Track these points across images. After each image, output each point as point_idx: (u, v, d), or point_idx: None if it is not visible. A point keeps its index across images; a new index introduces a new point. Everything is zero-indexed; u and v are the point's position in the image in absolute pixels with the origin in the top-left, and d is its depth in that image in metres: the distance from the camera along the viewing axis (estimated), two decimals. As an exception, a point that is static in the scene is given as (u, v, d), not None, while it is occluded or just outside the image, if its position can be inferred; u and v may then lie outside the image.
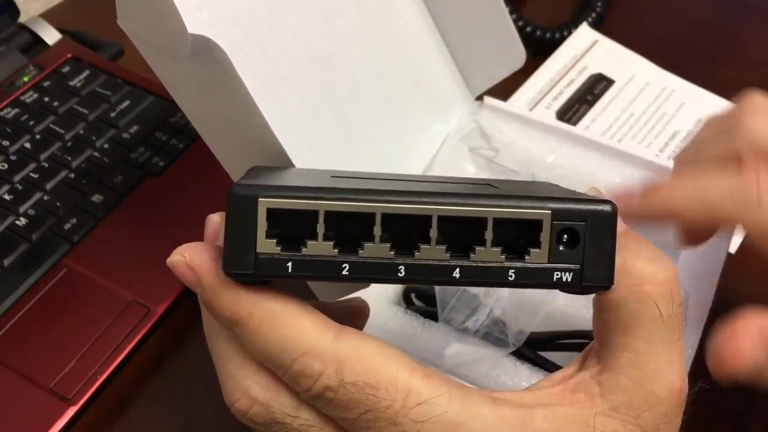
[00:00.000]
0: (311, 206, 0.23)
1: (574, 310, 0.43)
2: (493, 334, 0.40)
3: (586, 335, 0.40)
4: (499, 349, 0.39)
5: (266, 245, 0.23)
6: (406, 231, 0.24)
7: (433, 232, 0.24)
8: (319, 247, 0.24)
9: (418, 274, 0.24)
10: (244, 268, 0.24)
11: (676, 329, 0.26)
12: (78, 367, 0.42)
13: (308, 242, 0.24)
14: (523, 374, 0.39)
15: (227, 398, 0.27)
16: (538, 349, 0.40)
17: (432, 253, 0.24)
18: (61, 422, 0.40)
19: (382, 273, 0.24)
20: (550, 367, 0.40)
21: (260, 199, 0.23)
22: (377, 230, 0.24)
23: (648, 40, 0.65)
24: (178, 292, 0.46)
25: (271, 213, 0.23)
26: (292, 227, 0.24)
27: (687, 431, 0.28)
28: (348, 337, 0.25)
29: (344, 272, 0.24)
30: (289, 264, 0.24)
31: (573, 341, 0.41)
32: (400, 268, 0.24)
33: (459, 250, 0.24)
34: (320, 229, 0.23)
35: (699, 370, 0.39)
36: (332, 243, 0.24)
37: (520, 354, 0.40)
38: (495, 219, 0.24)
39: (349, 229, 0.24)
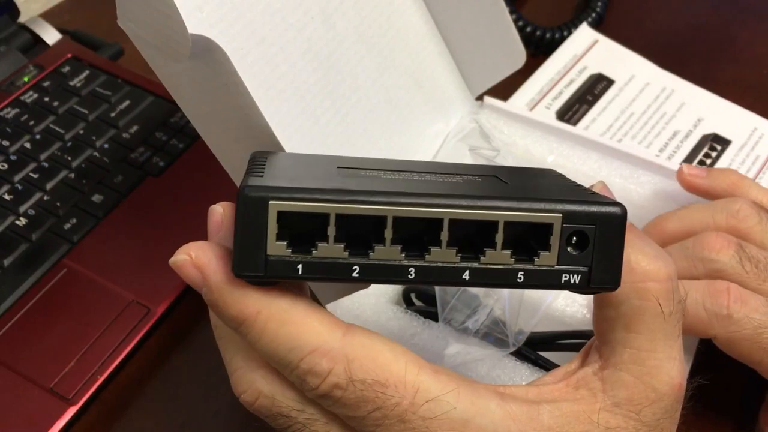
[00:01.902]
0: (322, 209, 0.23)
1: (574, 310, 0.43)
2: (493, 334, 0.40)
3: (586, 335, 0.40)
4: (499, 349, 0.39)
5: (277, 248, 0.23)
6: (416, 231, 0.24)
7: (444, 235, 0.24)
8: (330, 250, 0.24)
9: (428, 276, 0.24)
10: (255, 270, 0.24)
11: (676, 326, 0.26)
12: (78, 367, 0.42)
13: (319, 245, 0.24)
14: (523, 374, 0.39)
15: (234, 389, 0.27)
16: (538, 349, 0.40)
17: (442, 255, 0.24)
18: (61, 422, 0.40)
19: (392, 275, 0.24)
20: (550, 368, 0.40)
21: (271, 202, 0.23)
22: (388, 233, 0.24)
23: (648, 40, 0.65)
24: (178, 292, 0.46)
25: (282, 215, 0.23)
26: (302, 229, 0.24)
27: (686, 426, 0.28)
28: (356, 335, 0.25)
29: (354, 274, 0.24)
30: (300, 266, 0.24)
31: (573, 341, 0.41)
32: (410, 270, 0.24)
33: (469, 251, 0.24)
34: (331, 231, 0.23)
35: (697, 365, 0.39)
36: (343, 245, 0.24)
37: (520, 354, 0.40)
38: (506, 222, 0.24)
39: (360, 231, 0.24)
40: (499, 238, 0.24)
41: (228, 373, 0.28)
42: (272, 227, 0.23)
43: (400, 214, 0.23)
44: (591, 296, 0.43)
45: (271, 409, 0.26)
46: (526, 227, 0.24)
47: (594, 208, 0.24)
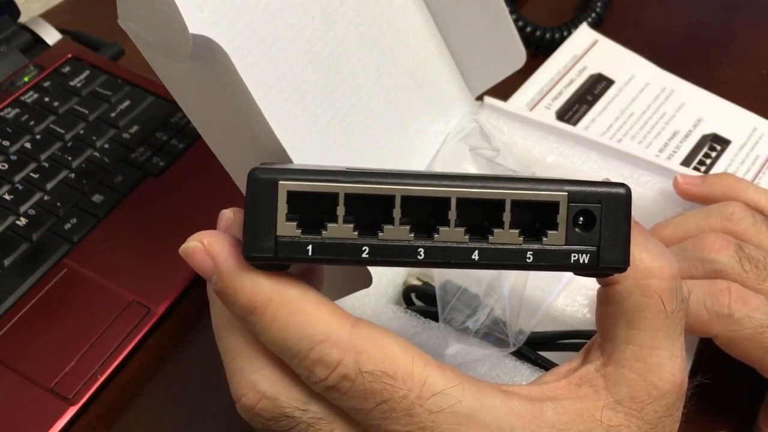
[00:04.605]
0: (331, 188, 0.23)
1: (574, 310, 0.43)
2: (494, 334, 0.40)
3: (586, 335, 0.40)
4: (499, 349, 0.39)
5: (286, 228, 0.24)
6: (425, 214, 0.24)
7: (452, 214, 0.24)
8: (339, 230, 0.24)
9: (437, 256, 0.24)
10: (265, 252, 0.24)
11: (678, 324, 0.26)
12: (78, 367, 0.42)
13: (328, 225, 0.24)
14: (524, 374, 0.39)
15: (234, 393, 0.27)
16: (538, 349, 0.40)
17: (451, 235, 0.24)
18: (61, 422, 0.40)
19: (402, 255, 0.24)
20: (549, 368, 0.40)
21: (280, 182, 0.23)
22: (396, 213, 0.24)
23: (648, 40, 0.65)
24: (178, 292, 0.46)
25: (291, 196, 0.23)
26: (311, 210, 0.24)
27: (686, 425, 0.28)
28: (364, 327, 0.25)
29: (364, 255, 0.24)
30: (309, 247, 0.24)
31: (573, 341, 0.41)
32: (419, 250, 0.24)
33: (477, 232, 0.24)
34: (340, 211, 0.24)
35: (697, 364, 0.39)
36: (352, 226, 0.24)
37: (520, 354, 0.40)
38: (513, 201, 0.24)
39: (369, 212, 0.24)
40: (507, 216, 0.24)
41: (227, 376, 0.27)
42: (282, 208, 0.23)
43: (408, 193, 0.24)
44: (592, 296, 0.43)
45: (274, 411, 0.26)
46: (533, 208, 0.24)
47: (598, 188, 0.24)
